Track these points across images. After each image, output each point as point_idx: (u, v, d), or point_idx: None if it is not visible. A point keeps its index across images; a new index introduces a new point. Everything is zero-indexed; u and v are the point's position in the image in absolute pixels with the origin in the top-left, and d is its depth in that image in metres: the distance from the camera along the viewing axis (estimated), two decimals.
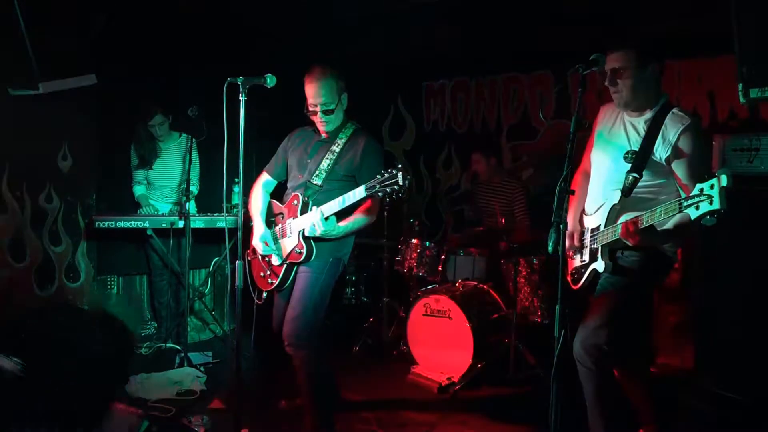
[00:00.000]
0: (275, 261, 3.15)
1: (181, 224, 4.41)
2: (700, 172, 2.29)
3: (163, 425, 2.41)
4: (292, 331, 2.99)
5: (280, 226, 3.14)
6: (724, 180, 2.02)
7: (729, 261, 3.61)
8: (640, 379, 2.81)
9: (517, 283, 4.09)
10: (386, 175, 2.64)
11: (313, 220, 2.87)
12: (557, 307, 2.25)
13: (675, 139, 2.48)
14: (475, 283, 4.37)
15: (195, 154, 4.68)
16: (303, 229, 2.97)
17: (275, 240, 3.14)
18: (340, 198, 2.85)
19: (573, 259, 2.79)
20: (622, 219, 2.44)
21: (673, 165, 2.50)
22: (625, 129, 2.66)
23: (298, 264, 3.07)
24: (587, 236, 2.71)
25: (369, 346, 4.72)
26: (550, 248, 2.36)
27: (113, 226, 4.42)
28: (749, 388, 3.48)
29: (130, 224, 4.45)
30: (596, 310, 2.61)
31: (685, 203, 2.13)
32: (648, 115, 2.61)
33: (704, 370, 3.69)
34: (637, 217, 2.40)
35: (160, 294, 4.87)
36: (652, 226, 2.36)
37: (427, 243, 4.54)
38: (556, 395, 2.30)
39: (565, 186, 2.27)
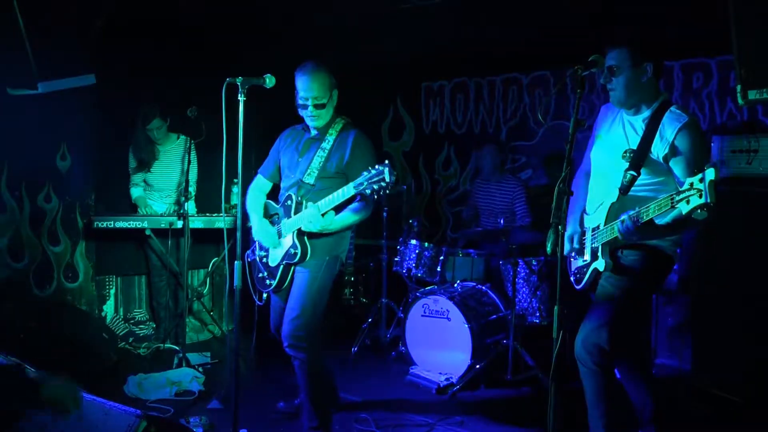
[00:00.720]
0: (272, 262, 3.15)
1: (179, 224, 4.41)
2: (697, 169, 2.30)
3: (162, 426, 2.42)
4: (292, 332, 2.98)
5: (276, 227, 3.14)
6: (711, 173, 2.04)
7: (728, 262, 3.61)
8: (641, 378, 2.81)
9: (515, 284, 4.09)
10: (373, 172, 2.66)
11: (309, 217, 2.87)
12: (556, 307, 2.25)
13: (672, 137, 2.49)
14: (474, 283, 4.37)
15: (194, 155, 4.68)
16: (297, 229, 2.96)
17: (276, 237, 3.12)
18: (330, 196, 2.86)
19: (575, 259, 2.79)
20: (622, 217, 2.45)
21: (671, 163, 2.51)
22: (624, 128, 2.67)
23: (294, 264, 3.06)
24: (588, 236, 2.71)
25: (367, 347, 4.71)
26: (549, 249, 2.37)
27: (112, 226, 4.42)
28: (746, 389, 3.49)
29: (129, 224, 4.45)
30: (597, 310, 2.61)
31: (677, 198, 2.15)
32: (646, 113, 2.62)
33: (702, 370, 3.70)
34: (632, 213, 2.41)
35: (159, 294, 4.86)
36: (649, 222, 2.36)
37: (426, 244, 4.54)
38: (555, 396, 2.30)
39: (563, 187, 2.27)
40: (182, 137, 4.77)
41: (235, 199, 4.71)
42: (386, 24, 4.68)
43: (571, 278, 2.80)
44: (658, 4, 3.88)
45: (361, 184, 2.70)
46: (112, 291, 4.91)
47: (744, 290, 3.52)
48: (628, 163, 2.55)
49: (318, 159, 3.04)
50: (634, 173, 2.53)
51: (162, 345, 4.63)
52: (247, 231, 3.24)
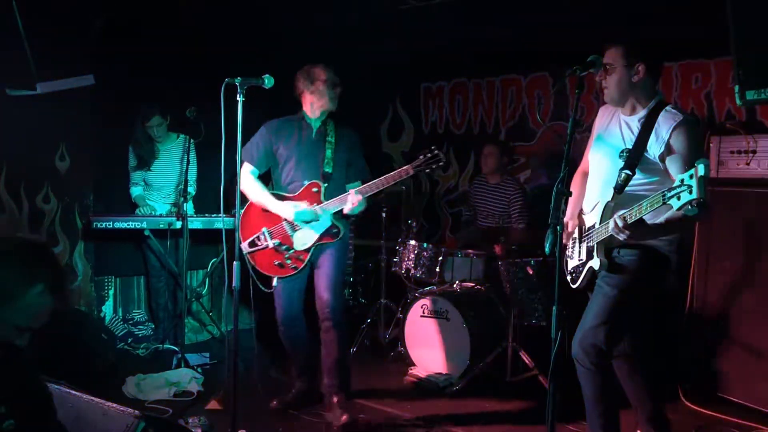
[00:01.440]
0: (302, 246, 3.35)
1: (178, 225, 4.41)
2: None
3: (160, 426, 2.41)
4: (334, 310, 3.37)
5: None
6: (701, 169, 2.04)
7: (726, 263, 3.62)
8: (642, 378, 2.81)
9: (514, 285, 4.09)
10: (429, 155, 3.19)
11: (353, 202, 3.24)
12: (554, 308, 2.26)
13: (668, 136, 2.49)
14: (473, 284, 4.37)
15: (193, 155, 4.68)
16: (339, 211, 3.31)
17: (305, 222, 3.35)
18: (380, 179, 3.25)
19: (571, 258, 2.80)
20: (622, 212, 2.45)
21: (667, 162, 2.51)
22: (620, 128, 2.68)
23: (332, 241, 3.39)
24: (584, 234, 2.72)
25: (366, 348, 4.72)
26: (547, 249, 2.37)
27: (111, 226, 4.42)
28: (744, 390, 3.49)
29: (128, 225, 4.44)
30: (594, 310, 2.61)
31: (668, 194, 2.16)
32: (641, 113, 2.62)
33: (699, 371, 3.70)
34: (625, 212, 2.41)
35: (158, 295, 4.86)
36: (642, 220, 2.37)
37: (425, 244, 4.54)
38: (553, 395, 2.30)
39: (562, 188, 2.28)
40: (182, 136, 4.76)
41: None
42: (385, 24, 4.68)
43: (567, 277, 2.80)
44: (658, 5, 3.89)
45: (419, 165, 3.22)
46: (111, 291, 4.90)
47: (743, 290, 3.52)
48: (623, 163, 2.56)
49: (329, 150, 3.39)
50: (629, 172, 2.53)
51: (161, 345, 4.63)
52: (256, 216, 3.41)
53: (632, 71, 2.57)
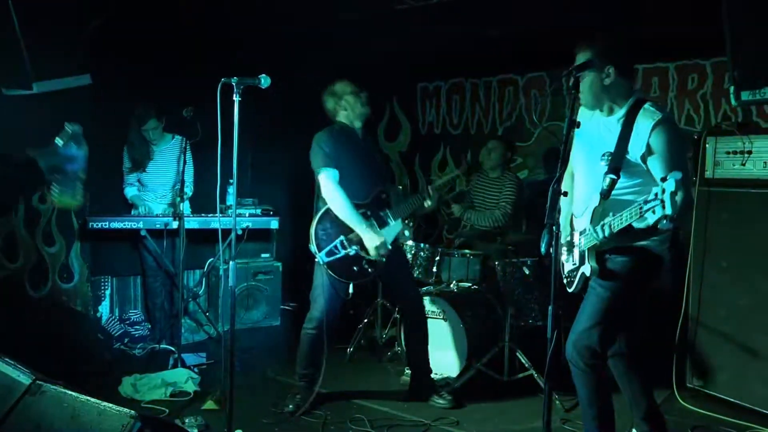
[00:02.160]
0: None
1: (175, 225, 4.40)
2: (674, 167, 2.29)
3: (157, 426, 2.41)
4: (422, 304, 3.80)
5: (372, 220, 3.54)
6: (671, 185, 1.98)
7: (722, 263, 3.62)
8: (637, 377, 2.81)
9: (511, 285, 4.10)
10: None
11: (430, 206, 3.63)
12: (550, 307, 2.26)
13: (647, 136, 2.44)
14: (470, 284, 4.37)
15: (189, 155, 4.67)
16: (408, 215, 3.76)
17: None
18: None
19: (567, 263, 2.79)
20: (606, 221, 2.44)
21: (648, 162, 2.47)
22: (600, 130, 2.65)
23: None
24: (575, 239, 2.71)
25: (363, 347, 4.72)
26: (543, 249, 2.37)
27: (107, 226, 4.41)
28: (740, 389, 3.50)
29: (124, 225, 4.44)
30: (587, 311, 2.61)
31: (645, 207, 2.12)
32: (620, 113, 2.58)
33: (695, 371, 3.71)
34: (609, 220, 2.40)
35: (154, 295, 4.85)
36: (627, 228, 2.35)
37: (422, 244, 4.54)
38: (549, 395, 2.31)
39: (557, 188, 2.28)
40: (177, 137, 4.76)
41: (231, 200, 4.70)
42: (382, 25, 4.68)
43: (564, 281, 2.80)
44: (654, 5, 3.90)
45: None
46: (108, 291, 4.89)
47: (740, 291, 3.53)
48: (606, 167, 2.53)
49: (379, 155, 3.81)
50: (614, 177, 2.48)
51: (157, 346, 4.62)
52: (332, 225, 3.42)
53: (602, 74, 2.54)
